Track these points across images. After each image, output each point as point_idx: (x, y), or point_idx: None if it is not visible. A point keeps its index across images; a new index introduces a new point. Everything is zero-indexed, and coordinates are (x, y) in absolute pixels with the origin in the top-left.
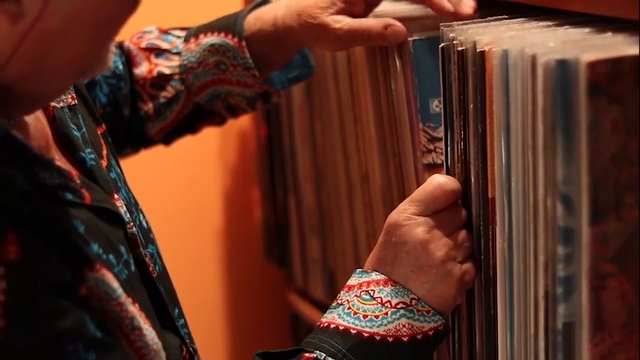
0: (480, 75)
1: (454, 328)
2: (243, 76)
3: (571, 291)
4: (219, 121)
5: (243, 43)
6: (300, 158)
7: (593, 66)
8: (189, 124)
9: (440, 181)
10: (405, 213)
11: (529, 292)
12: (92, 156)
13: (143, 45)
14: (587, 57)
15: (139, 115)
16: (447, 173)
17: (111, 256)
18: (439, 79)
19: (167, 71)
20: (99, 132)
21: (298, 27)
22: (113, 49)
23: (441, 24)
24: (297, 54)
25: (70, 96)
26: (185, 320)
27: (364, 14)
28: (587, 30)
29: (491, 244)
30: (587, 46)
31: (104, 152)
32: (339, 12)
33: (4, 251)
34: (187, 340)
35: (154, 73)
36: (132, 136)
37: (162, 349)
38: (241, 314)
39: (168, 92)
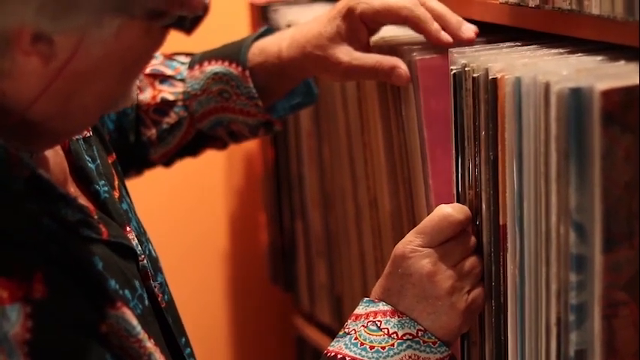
0: (492, 102)
1: (464, 355)
2: (247, 105)
3: (583, 318)
4: (221, 145)
5: (247, 73)
6: (308, 182)
7: (607, 95)
8: (191, 149)
9: (446, 212)
10: (411, 245)
11: (540, 319)
12: (106, 188)
13: (147, 71)
14: (601, 85)
15: (143, 140)
16: (458, 199)
17: (127, 292)
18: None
19: (170, 97)
20: (110, 161)
21: (303, 58)
22: (137, 82)
23: (451, 49)
24: (301, 82)
25: None
26: (191, 349)
27: (368, 40)
28: (599, 58)
29: (502, 271)
30: (601, 74)
31: (116, 183)
32: (345, 41)
33: (31, 290)
34: None
35: (158, 99)
36: (135, 159)
37: None
38: (247, 338)
39: (171, 118)
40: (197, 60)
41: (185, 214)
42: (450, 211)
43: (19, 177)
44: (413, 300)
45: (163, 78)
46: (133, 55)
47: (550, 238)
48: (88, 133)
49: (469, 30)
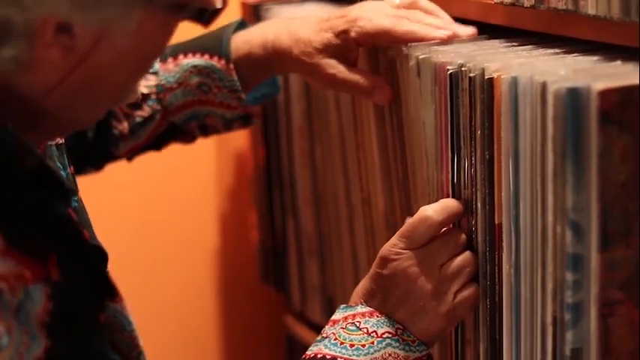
0: (488, 101)
1: (458, 353)
2: (227, 98)
3: (579, 317)
4: (190, 139)
5: (231, 66)
6: (300, 181)
7: (604, 94)
8: (157, 143)
9: (424, 215)
10: (395, 248)
11: (536, 318)
12: (75, 197)
13: None
14: (599, 85)
15: (112, 134)
16: (453, 198)
17: None
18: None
19: (144, 90)
20: (70, 171)
21: (289, 57)
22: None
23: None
24: None
25: None
26: None
27: (356, 58)
28: (596, 58)
29: (498, 270)
30: (598, 74)
31: (79, 194)
32: (333, 54)
33: (49, 272)
34: None
35: None
36: (96, 155)
37: None
38: (237, 337)
39: (144, 111)
40: (170, 53)
41: (175, 212)
42: (429, 213)
43: (25, 166)
44: (396, 301)
45: None
46: (150, 48)
47: (546, 237)
48: (61, 140)
49: (466, 30)
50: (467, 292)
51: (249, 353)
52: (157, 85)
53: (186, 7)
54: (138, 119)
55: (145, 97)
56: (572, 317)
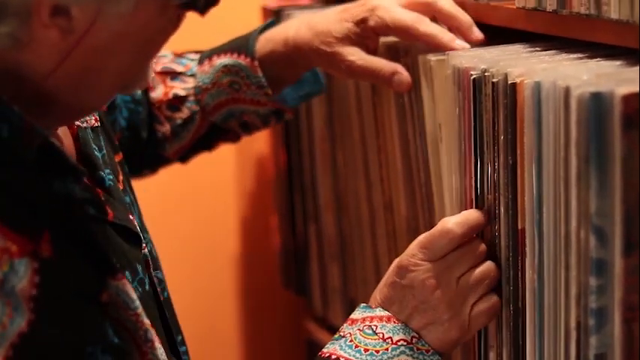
0: (511, 106)
1: (481, 358)
2: (257, 95)
3: (603, 323)
4: (235, 138)
5: (256, 63)
6: (321, 186)
7: (628, 99)
8: (205, 143)
9: (445, 228)
10: (414, 259)
11: (559, 324)
12: (111, 177)
13: (158, 69)
14: (622, 90)
15: (157, 137)
16: (476, 203)
17: (127, 273)
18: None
19: (182, 93)
20: (116, 159)
21: (309, 50)
22: (152, 65)
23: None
24: (308, 71)
25: (93, 118)
26: (186, 348)
27: (376, 46)
28: (618, 62)
29: (521, 275)
30: (621, 79)
31: (120, 177)
32: (352, 43)
33: (39, 247)
34: None
35: (170, 95)
36: (149, 157)
37: None
38: (258, 342)
39: (183, 113)
40: (206, 55)
41: (196, 217)
42: (450, 226)
43: (31, 145)
44: (413, 311)
45: (174, 75)
46: (148, 33)
47: (569, 242)
48: (97, 123)
49: (479, 32)
50: (484, 305)
51: (270, 358)
52: (194, 87)
53: None
54: (178, 121)
55: (184, 99)
56: (595, 322)
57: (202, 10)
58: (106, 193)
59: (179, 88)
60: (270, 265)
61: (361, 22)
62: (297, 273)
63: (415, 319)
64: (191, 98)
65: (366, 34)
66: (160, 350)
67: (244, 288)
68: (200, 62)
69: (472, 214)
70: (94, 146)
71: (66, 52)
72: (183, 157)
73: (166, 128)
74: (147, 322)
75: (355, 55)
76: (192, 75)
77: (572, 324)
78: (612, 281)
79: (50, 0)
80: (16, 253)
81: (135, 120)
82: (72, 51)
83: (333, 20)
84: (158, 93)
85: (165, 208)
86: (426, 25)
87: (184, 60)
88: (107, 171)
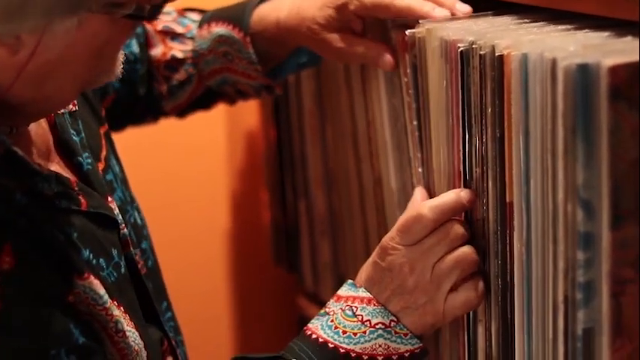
0: (498, 79)
1: (470, 332)
2: (247, 69)
3: (591, 296)
4: (230, 101)
5: (248, 39)
6: (311, 161)
7: (615, 70)
8: (202, 103)
9: (421, 212)
10: (392, 242)
11: (547, 297)
12: (89, 160)
13: (160, 27)
14: (609, 61)
15: (154, 94)
16: (464, 177)
17: (101, 260)
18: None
19: (180, 55)
20: (101, 131)
21: (298, 35)
22: (121, 57)
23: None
24: None
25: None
26: (173, 313)
27: (362, 28)
28: (606, 34)
29: (509, 249)
30: (608, 50)
31: (103, 154)
32: (337, 27)
33: (0, 262)
34: (171, 334)
35: (168, 56)
36: (150, 109)
37: (144, 348)
38: (249, 318)
39: (180, 75)
40: (206, 19)
41: (186, 193)
42: (424, 211)
43: None
44: (391, 294)
45: (174, 35)
46: (99, 41)
47: (557, 215)
48: (74, 107)
49: (464, 6)
50: (459, 298)
51: (261, 334)
52: (192, 50)
53: (124, 6)
54: (175, 82)
55: (182, 61)
56: (583, 296)
57: (149, 19)
58: (84, 178)
59: (177, 49)
60: (261, 241)
61: (342, 8)
62: (288, 249)
63: (392, 301)
64: (189, 61)
65: (347, 19)
66: (133, 337)
67: (235, 264)
68: (200, 25)
69: (449, 198)
70: (72, 131)
71: (20, 67)
72: (181, 113)
73: (163, 87)
74: (117, 313)
75: (341, 42)
76: (192, 37)
77: (560, 298)
78: (600, 255)
79: None
80: None
81: (132, 77)
82: (25, 66)
83: (318, 6)
84: (157, 52)
85: (157, 185)
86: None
87: (186, 20)
88: (85, 155)
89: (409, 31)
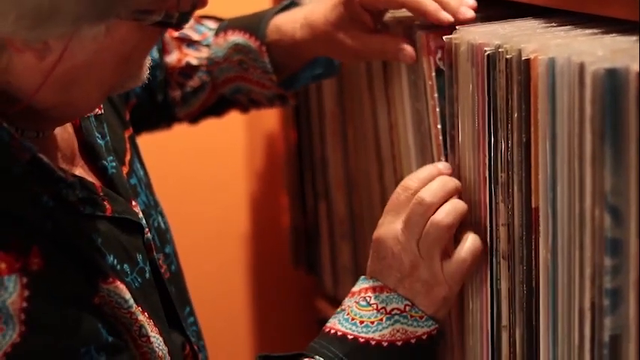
0: (524, 83)
1: (494, 337)
2: (262, 78)
3: (618, 303)
4: (243, 109)
5: (264, 49)
6: (332, 164)
7: None
8: (214, 110)
9: (404, 184)
10: (381, 228)
11: (573, 304)
12: (113, 164)
13: (176, 34)
14: (637, 66)
15: (168, 100)
16: (490, 182)
17: (126, 266)
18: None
19: (195, 62)
20: (126, 135)
21: (313, 41)
22: (147, 62)
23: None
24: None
25: None
26: (195, 318)
27: (374, 22)
28: (634, 38)
29: (535, 255)
30: (637, 54)
31: (127, 158)
32: (351, 26)
33: (28, 263)
34: (194, 339)
35: (183, 62)
36: (164, 115)
37: (168, 354)
38: (269, 321)
39: (194, 82)
40: (223, 27)
41: (206, 196)
42: (406, 183)
43: (19, 160)
44: (396, 280)
45: (190, 42)
46: (127, 47)
47: (584, 221)
48: (100, 111)
49: (468, 11)
50: (454, 257)
51: (280, 337)
52: (207, 58)
53: (153, 13)
54: (189, 89)
55: (196, 68)
56: (610, 303)
57: (177, 26)
58: (109, 182)
59: (193, 56)
60: (280, 243)
61: (347, 3)
62: (308, 252)
63: (400, 287)
64: (203, 69)
65: (356, 13)
66: (157, 342)
67: (255, 267)
68: (217, 33)
69: (427, 168)
70: (97, 134)
71: (46, 72)
72: (193, 120)
73: (177, 93)
74: (141, 318)
75: (355, 39)
76: (207, 45)
77: (587, 304)
78: (627, 261)
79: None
80: (4, 270)
81: (151, 84)
82: (52, 71)
83: (328, 7)
84: (173, 58)
85: (176, 188)
86: None
87: (203, 27)
88: (110, 158)
89: (446, 37)
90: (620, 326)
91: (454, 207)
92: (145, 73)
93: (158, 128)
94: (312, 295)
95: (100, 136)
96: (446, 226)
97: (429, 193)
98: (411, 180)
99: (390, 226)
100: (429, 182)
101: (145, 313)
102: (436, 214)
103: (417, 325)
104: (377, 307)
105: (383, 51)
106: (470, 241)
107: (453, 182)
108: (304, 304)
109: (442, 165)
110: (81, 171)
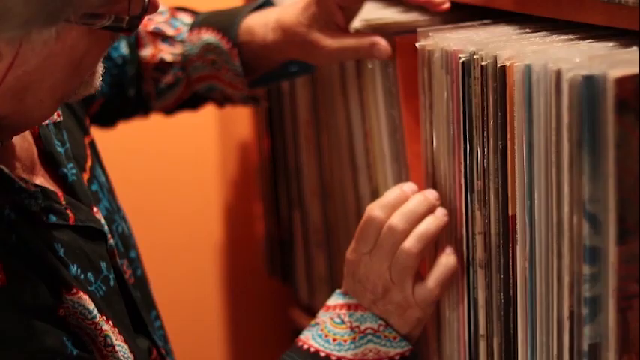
0: (500, 90)
1: (471, 347)
2: (234, 80)
3: (597, 311)
4: (219, 105)
5: (235, 51)
6: (306, 172)
7: (621, 82)
8: (189, 104)
9: (371, 215)
10: (354, 254)
11: (552, 312)
12: (74, 171)
13: (150, 28)
14: (615, 73)
15: (143, 93)
16: (466, 190)
17: (90, 275)
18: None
19: (169, 58)
20: (86, 141)
21: (285, 44)
22: (100, 69)
23: (419, 28)
24: None
25: (55, 113)
26: (162, 322)
27: (346, 22)
28: (611, 44)
29: (512, 263)
30: (614, 61)
31: (88, 164)
32: (323, 26)
33: None
34: (160, 343)
35: (157, 58)
36: (139, 107)
37: None
38: (243, 330)
39: (168, 78)
40: (197, 24)
41: (180, 204)
42: (374, 213)
43: None
44: (368, 301)
45: (164, 37)
46: (78, 53)
47: (562, 229)
48: (59, 118)
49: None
50: (426, 280)
51: (255, 346)
52: (181, 54)
53: (103, 17)
54: (163, 85)
55: (170, 64)
56: (589, 311)
57: (128, 30)
58: (69, 189)
59: (167, 52)
60: (254, 252)
61: (322, 1)
62: (282, 261)
63: (374, 307)
64: (177, 65)
65: (330, 12)
66: (122, 350)
67: (229, 276)
68: (191, 29)
69: (394, 192)
70: (57, 142)
71: None
72: (168, 112)
73: (152, 88)
74: (105, 327)
75: (328, 39)
76: (182, 41)
77: (565, 313)
78: (606, 269)
79: None
80: None
81: (122, 79)
82: (4, 77)
83: (300, 8)
84: (147, 53)
85: (148, 196)
86: None
87: (177, 22)
88: (70, 166)
89: (419, 44)
90: (599, 335)
91: (426, 230)
92: (99, 79)
93: (134, 117)
94: (287, 305)
95: (59, 144)
96: (415, 253)
97: (399, 219)
98: (378, 208)
99: (361, 252)
100: (396, 207)
101: (110, 322)
102: (406, 241)
103: (390, 345)
104: (351, 325)
105: (357, 49)
106: (439, 269)
107: (426, 203)
108: (279, 313)
109: (407, 187)
110: (42, 180)
